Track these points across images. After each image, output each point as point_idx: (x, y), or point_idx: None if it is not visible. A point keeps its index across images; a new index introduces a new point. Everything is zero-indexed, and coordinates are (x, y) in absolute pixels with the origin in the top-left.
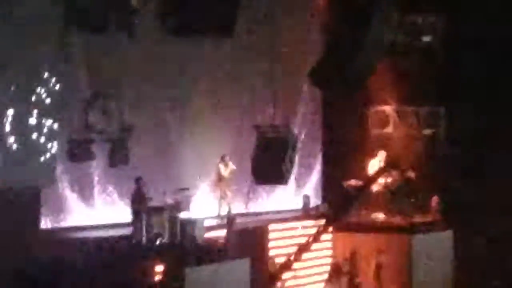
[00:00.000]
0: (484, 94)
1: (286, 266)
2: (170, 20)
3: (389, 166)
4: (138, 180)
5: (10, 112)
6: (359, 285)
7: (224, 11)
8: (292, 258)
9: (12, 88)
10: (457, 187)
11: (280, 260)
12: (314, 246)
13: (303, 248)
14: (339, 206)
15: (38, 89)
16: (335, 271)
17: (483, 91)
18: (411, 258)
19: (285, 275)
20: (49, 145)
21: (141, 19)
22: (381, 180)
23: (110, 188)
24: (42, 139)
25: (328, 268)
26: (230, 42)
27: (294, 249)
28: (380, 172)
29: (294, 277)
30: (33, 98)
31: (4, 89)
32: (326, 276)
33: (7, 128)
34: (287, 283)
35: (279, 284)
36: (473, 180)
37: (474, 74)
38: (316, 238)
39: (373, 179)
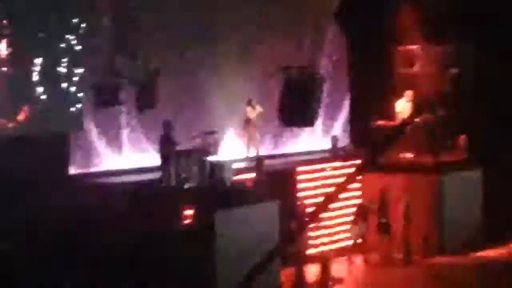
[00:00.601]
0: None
1: (322, 206)
2: None
3: (422, 105)
4: (166, 124)
5: (39, 60)
6: (388, 225)
7: None
8: (327, 199)
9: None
10: (484, 126)
11: (309, 201)
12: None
13: (339, 188)
14: (376, 146)
15: (67, 36)
16: (361, 212)
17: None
18: (441, 197)
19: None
20: (76, 92)
21: None
22: None
23: (139, 133)
24: (70, 87)
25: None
26: None
27: (323, 190)
28: (415, 113)
29: (329, 218)
30: (63, 45)
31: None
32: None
33: (36, 77)
34: (322, 223)
35: (313, 225)
36: (500, 118)
37: (501, 12)
38: (352, 178)
39: (409, 119)
